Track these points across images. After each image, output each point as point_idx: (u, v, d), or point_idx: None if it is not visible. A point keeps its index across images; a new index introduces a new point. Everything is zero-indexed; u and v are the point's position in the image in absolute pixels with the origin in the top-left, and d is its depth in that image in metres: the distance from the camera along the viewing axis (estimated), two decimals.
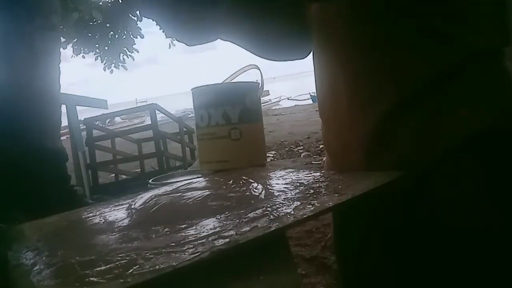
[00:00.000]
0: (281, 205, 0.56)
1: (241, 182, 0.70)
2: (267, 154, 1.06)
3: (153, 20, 0.71)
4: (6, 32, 3.07)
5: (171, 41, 8.83)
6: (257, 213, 0.54)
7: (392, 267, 0.66)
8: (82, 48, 7.84)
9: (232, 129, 0.79)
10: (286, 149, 6.68)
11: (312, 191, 0.61)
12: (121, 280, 0.38)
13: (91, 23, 7.29)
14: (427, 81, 0.57)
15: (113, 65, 8.18)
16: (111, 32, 7.81)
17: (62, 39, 6.12)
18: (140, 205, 0.64)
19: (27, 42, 3.08)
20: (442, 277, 0.58)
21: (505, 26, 0.58)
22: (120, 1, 7.52)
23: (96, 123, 5.78)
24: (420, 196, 0.58)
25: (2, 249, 0.50)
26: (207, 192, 0.67)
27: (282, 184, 0.68)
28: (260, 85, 0.87)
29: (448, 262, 0.57)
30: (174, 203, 0.63)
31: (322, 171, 0.73)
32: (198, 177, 0.94)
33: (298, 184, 0.67)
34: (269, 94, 21.64)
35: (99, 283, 0.39)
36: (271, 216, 0.52)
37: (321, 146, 6.38)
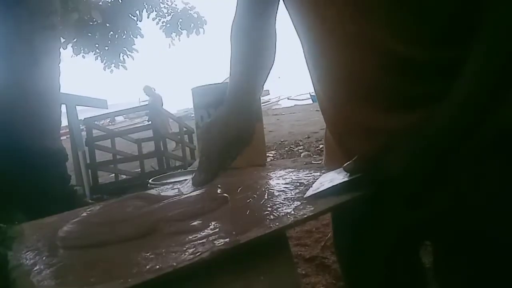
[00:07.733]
0: (281, 205, 0.56)
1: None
2: (267, 154, 1.06)
3: None
4: (6, 32, 3.07)
5: (171, 41, 8.85)
6: (257, 213, 0.54)
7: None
8: (82, 48, 7.83)
9: None
10: (286, 149, 6.67)
11: None
12: (121, 280, 0.38)
13: (91, 23, 7.27)
14: None
15: (113, 65, 8.17)
16: (111, 32, 7.79)
17: (62, 39, 6.10)
18: None
19: (27, 42, 3.07)
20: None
21: None
22: (120, 1, 7.52)
23: (96, 123, 5.76)
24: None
25: (2, 249, 0.49)
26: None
27: (282, 184, 0.68)
28: None
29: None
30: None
31: (322, 171, 0.72)
32: None
33: (298, 184, 0.67)
34: (269, 94, 21.60)
35: (99, 283, 0.39)
36: (271, 216, 0.52)
37: (321, 146, 6.37)
